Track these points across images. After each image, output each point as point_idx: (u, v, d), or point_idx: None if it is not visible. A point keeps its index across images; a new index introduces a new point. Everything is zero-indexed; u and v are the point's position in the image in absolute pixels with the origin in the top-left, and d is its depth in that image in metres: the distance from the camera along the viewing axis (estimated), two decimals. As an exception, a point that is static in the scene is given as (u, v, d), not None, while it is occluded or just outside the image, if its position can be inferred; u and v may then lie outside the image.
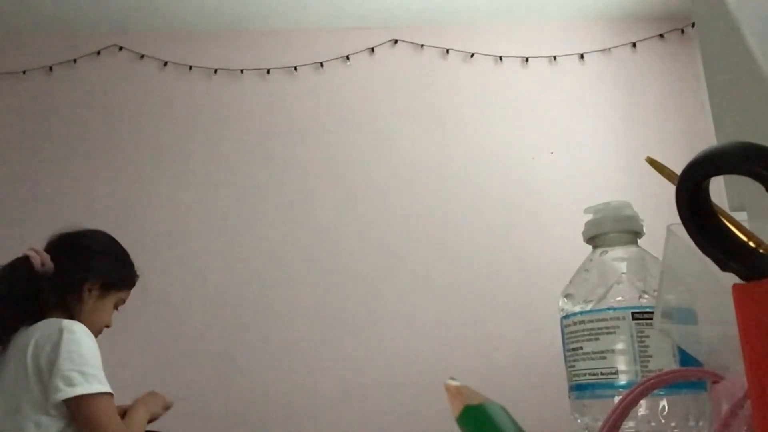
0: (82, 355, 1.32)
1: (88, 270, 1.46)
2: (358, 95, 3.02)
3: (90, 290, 1.46)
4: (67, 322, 1.35)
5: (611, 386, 0.54)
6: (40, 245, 1.49)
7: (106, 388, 1.34)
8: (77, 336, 1.33)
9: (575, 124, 3.00)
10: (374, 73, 3.05)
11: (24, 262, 1.40)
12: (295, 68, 3.03)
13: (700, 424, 0.52)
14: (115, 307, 1.54)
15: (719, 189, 0.49)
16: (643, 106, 3.04)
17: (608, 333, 0.55)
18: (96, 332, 1.45)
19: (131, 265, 1.57)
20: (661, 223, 0.47)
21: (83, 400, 1.30)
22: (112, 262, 1.53)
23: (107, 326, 1.53)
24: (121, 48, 3.04)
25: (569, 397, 0.59)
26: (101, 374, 1.35)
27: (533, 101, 3.04)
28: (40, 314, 1.39)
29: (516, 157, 2.95)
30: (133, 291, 1.59)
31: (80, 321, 1.41)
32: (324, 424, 2.58)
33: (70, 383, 1.29)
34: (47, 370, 1.30)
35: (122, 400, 1.46)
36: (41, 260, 1.41)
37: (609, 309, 0.56)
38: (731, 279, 0.32)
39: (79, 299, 1.45)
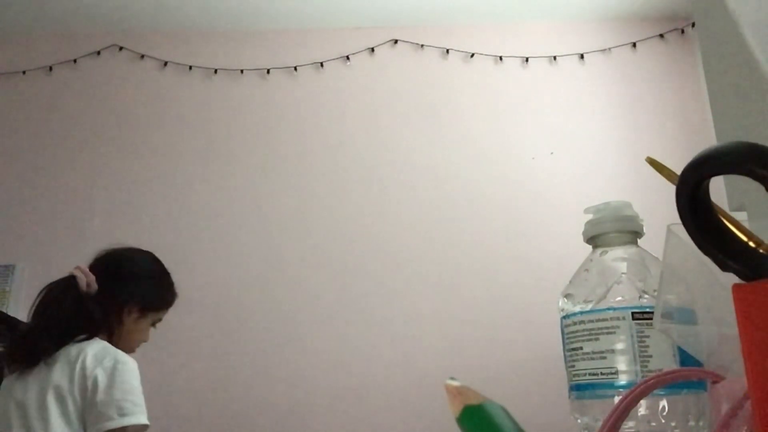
0: (134, 387, 1.39)
1: (128, 294, 1.52)
2: (358, 95, 3.02)
3: (130, 312, 1.52)
4: (121, 355, 1.41)
5: (611, 386, 0.54)
6: (85, 262, 1.53)
7: (147, 421, 1.40)
8: (129, 367, 1.40)
9: (575, 124, 3.00)
10: (374, 73, 3.05)
11: (71, 281, 1.47)
12: (295, 68, 3.03)
13: (700, 424, 0.52)
14: (153, 325, 1.60)
15: (719, 189, 0.49)
16: (643, 106, 3.04)
17: (608, 333, 0.55)
18: (132, 350, 1.53)
19: (170, 286, 1.63)
20: (661, 223, 0.47)
21: (129, 429, 1.35)
22: (152, 287, 1.58)
23: (144, 341, 1.59)
24: (121, 48, 3.04)
25: (569, 397, 0.59)
26: (144, 406, 1.41)
27: (533, 101, 3.04)
28: (86, 331, 1.44)
29: (516, 157, 2.95)
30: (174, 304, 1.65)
31: (118, 340, 1.48)
32: (324, 424, 2.58)
33: (123, 413, 1.34)
34: (97, 398, 1.34)
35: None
36: (87, 281, 1.47)
37: (609, 309, 0.56)
38: (731, 279, 0.32)
39: (119, 321, 1.51)
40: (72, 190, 2.85)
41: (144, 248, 1.65)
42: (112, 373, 1.36)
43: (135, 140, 2.93)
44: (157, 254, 1.59)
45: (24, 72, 2.98)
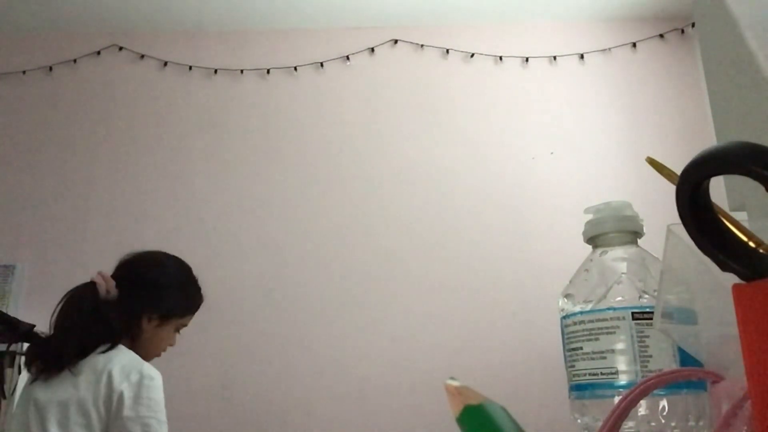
0: (159, 403, 1.38)
1: (147, 302, 1.50)
2: (358, 95, 3.02)
3: (149, 320, 1.50)
4: (147, 368, 1.39)
5: (611, 386, 0.54)
6: (103, 267, 1.51)
7: None
8: (156, 383, 1.39)
9: (575, 124, 3.00)
10: (374, 73, 3.05)
11: (91, 288, 1.45)
12: (295, 68, 3.03)
13: (700, 424, 0.52)
14: (177, 331, 1.59)
15: (719, 189, 0.49)
16: (643, 106, 3.04)
17: (608, 333, 0.55)
18: (156, 355, 1.53)
19: (196, 292, 1.62)
20: (661, 223, 0.47)
21: None
22: (175, 295, 1.56)
23: (170, 345, 1.59)
24: (121, 48, 3.05)
25: (569, 397, 0.59)
26: (166, 423, 1.41)
27: (533, 101, 3.04)
28: (108, 339, 1.42)
29: (516, 157, 2.95)
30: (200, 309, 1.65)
31: (140, 347, 1.47)
32: (324, 424, 2.58)
33: (147, 430, 1.34)
34: (123, 413, 1.33)
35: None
36: (107, 288, 1.46)
37: (609, 309, 0.56)
38: (731, 279, 0.32)
39: (138, 328, 1.49)
40: (72, 190, 2.85)
41: (144, 247, 1.63)
42: (139, 389, 1.35)
43: (135, 140, 2.93)
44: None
45: (24, 72, 2.98)
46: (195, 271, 1.67)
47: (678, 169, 0.35)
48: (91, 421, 1.33)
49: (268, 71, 3.02)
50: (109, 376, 1.35)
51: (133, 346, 1.46)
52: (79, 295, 1.45)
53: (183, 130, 2.95)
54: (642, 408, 0.52)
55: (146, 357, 1.46)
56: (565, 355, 0.60)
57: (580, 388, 0.57)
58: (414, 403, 2.58)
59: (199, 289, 1.63)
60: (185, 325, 1.60)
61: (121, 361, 1.39)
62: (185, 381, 2.59)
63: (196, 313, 1.67)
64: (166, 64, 3.02)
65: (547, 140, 2.98)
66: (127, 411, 1.33)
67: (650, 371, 0.53)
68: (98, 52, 3.03)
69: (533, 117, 3.01)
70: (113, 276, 1.50)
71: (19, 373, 2.13)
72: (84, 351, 1.39)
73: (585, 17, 3.13)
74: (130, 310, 1.47)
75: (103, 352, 1.40)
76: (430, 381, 2.55)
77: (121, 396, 1.34)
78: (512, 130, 2.99)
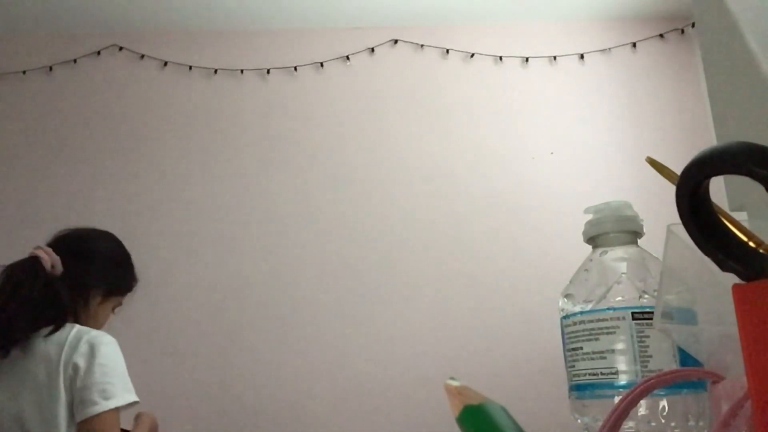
0: (114, 368, 1.34)
1: (95, 275, 1.47)
2: (358, 95, 3.02)
3: (95, 296, 1.47)
4: (95, 334, 1.35)
5: (611, 386, 0.54)
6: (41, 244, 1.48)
7: (134, 398, 1.36)
8: (107, 348, 1.35)
9: (575, 124, 3.00)
10: (374, 73, 3.05)
11: (35, 262, 1.39)
12: (295, 68, 3.03)
13: (700, 424, 0.52)
14: (113, 310, 1.54)
15: (719, 189, 0.49)
16: (643, 106, 3.04)
17: (608, 333, 0.55)
18: None
19: (133, 270, 1.57)
20: (661, 223, 0.47)
21: (116, 412, 1.32)
22: (117, 268, 1.53)
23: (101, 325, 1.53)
24: (121, 48, 3.04)
25: (569, 397, 0.59)
26: (129, 382, 1.37)
27: (533, 101, 3.04)
28: (55, 315, 1.38)
29: (516, 157, 2.95)
30: (135, 290, 1.59)
31: (85, 323, 1.41)
32: (324, 425, 2.58)
33: (106, 396, 1.30)
34: (77, 384, 1.30)
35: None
36: (51, 262, 1.40)
37: (609, 309, 0.56)
38: (731, 279, 0.32)
39: (85, 303, 1.45)
40: (72, 190, 2.85)
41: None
42: (90, 357, 1.31)
43: (135, 140, 2.93)
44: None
45: (24, 72, 2.98)
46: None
47: (678, 169, 0.35)
48: (66, 412, 1.29)
49: (268, 71, 3.02)
50: (60, 356, 1.31)
51: (77, 323, 1.41)
52: (24, 271, 1.37)
53: (183, 130, 2.94)
54: (642, 408, 0.52)
55: None
56: (565, 355, 0.60)
57: (580, 388, 0.57)
58: (414, 404, 2.58)
59: (133, 268, 1.56)
60: (120, 305, 1.55)
61: (69, 337, 1.34)
62: (184, 381, 2.59)
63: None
64: (166, 64, 3.02)
65: (547, 140, 2.98)
66: (81, 381, 1.30)
67: (650, 371, 0.53)
68: (98, 52, 3.03)
69: (533, 117, 3.01)
70: (54, 251, 1.43)
71: None
72: (33, 329, 1.35)
73: (585, 17, 3.13)
74: (77, 285, 1.43)
75: (52, 332, 1.35)
76: (430, 381, 2.55)
77: (75, 368, 1.30)
78: (512, 130, 2.99)
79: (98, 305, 1.47)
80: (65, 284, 1.41)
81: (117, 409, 1.31)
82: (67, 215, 2.81)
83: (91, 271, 1.46)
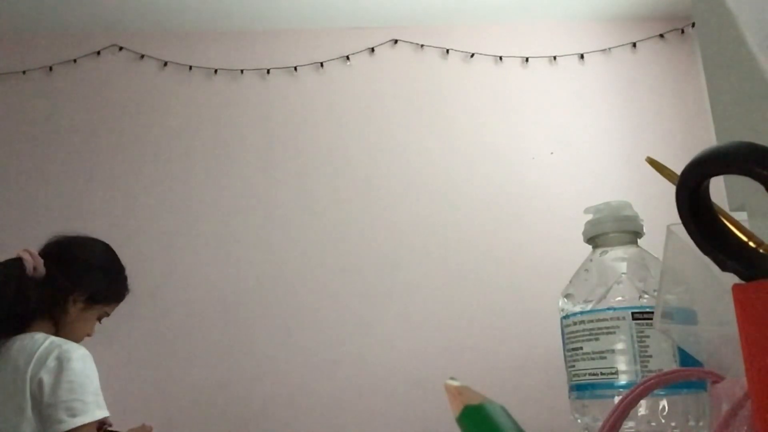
0: (82, 384, 1.31)
1: (76, 282, 1.45)
2: (358, 95, 3.02)
3: (75, 301, 1.45)
4: (66, 347, 1.32)
5: (611, 386, 0.54)
6: (37, 247, 1.48)
7: (102, 414, 1.33)
8: (75, 364, 1.31)
9: (575, 124, 3.01)
10: (374, 73, 3.05)
11: (17, 264, 1.38)
12: (295, 68, 3.03)
13: (700, 424, 0.52)
14: (98, 320, 1.52)
15: (719, 189, 0.49)
16: (643, 106, 3.04)
17: (608, 333, 0.55)
18: (76, 342, 1.44)
19: (123, 280, 1.55)
20: (661, 223, 0.47)
21: (84, 429, 1.29)
22: (102, 277, 1.51)
23: (88, 335, 1.51)
24: (121, 48, 3.04)
25: (569, 397, 0.59)
26: (101, 398, 1.33)
27: (533, 101, 3.04)
28: (25, 320, 1.36)
29: (516, 157, 2.95)
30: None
31: (62, 329, 1.40)
32: (324, 425, 2.58)
33: (73, 413, 1.27)
34: (44, 401, 1.28)
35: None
36: (34, 264, 1.39)
37: (609, 309, 0.56)
38: (731, 279, 0.32)
39: (64, 309, 1.43)
40: (71, 190, 2.85)
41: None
42: (57, 373, 1.29)
43: (135, 140, 2.93)
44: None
45: (24, 72, 2.98)
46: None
47: (678, 169, 0.35)
48: (32, 424, 1.27)
49: (268, 71, 3.02)
50: (26, 366, 1.29)
51: (55, 330, 1.39)
52: (4, 272, 1.37)
53: (183, 130, 2.94)
54: (642, 408, 0.52)
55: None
56: (565, 355, 0.60)
57: (580, 388, 0.57)
58: (414, 404, 2.58)
59: (126, 278, 1.55)
60: (107, 315, 1.53)
61: (38, 347, 1.32)
62: (183, 382, 2.59)
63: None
64: (166, 64, 3.02)
65: (547, 140, 2.98)
66: (47, 398, 1.27)
67: (650, 371, 0.53)
68: (98, 52, 3.03)
69: (533, 117, 3.01)
70: (40, 254, 1.43)
71: None
72: (3, 330, 1.33)
73: (585, 17, 3.13)
74: (57, 289, 1.41)
75: (19, 339, 1.32)
76: (430, 381, 2.55)
77: (40, 384, 1.28)
78: (512, 130, 2.99)
79: (80, 312, 1.45)
80: (46, 288, 1.39)
81: (85, 426, 1.29)
82: (66, 215, 2.81)
83: (71, 277, 1.44)
